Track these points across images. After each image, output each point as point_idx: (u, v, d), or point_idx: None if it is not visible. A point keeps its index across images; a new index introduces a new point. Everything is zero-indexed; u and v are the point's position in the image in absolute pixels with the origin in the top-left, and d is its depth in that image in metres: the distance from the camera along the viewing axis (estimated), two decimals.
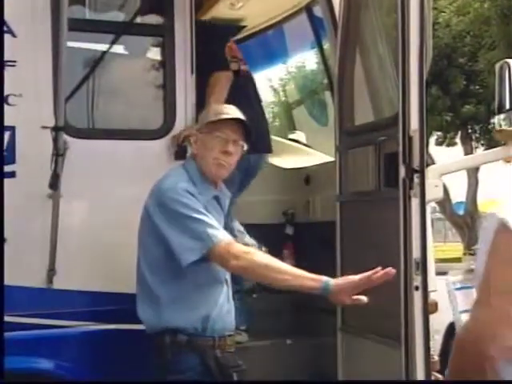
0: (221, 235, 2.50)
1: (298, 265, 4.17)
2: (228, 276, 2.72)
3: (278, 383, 3.56)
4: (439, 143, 20.61)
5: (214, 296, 2.64)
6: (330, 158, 3.90)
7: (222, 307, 2.66)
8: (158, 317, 2.58)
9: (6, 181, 2.63)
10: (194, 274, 2.56)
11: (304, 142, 4.95)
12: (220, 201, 2.74)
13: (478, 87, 17.44)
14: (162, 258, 2.59)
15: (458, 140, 18.20)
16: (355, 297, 2.39)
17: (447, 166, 3.57)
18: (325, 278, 2.44)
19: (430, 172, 3.05)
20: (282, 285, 2.54)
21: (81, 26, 3.08)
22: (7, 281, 2.45)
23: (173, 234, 2.52)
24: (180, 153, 3.05)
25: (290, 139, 4.96)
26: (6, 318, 2.39)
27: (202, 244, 2.47)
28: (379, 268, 2.34)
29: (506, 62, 2.87)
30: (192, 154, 2.74)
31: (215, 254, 2.49)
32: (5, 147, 2.77)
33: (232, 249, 2.49)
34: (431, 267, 3.06)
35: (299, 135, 5.03)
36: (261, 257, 2.53)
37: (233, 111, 2.70)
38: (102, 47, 3.11)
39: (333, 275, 3.42)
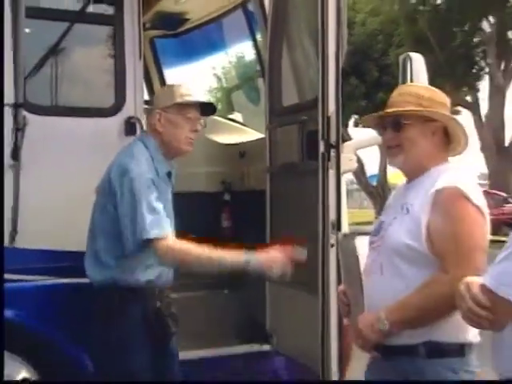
0: (156, 233, 2.36)
1: (234, 226, 4.23)
2: None
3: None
4: (356, 125, 20.96)
5: None
6: (262, 135, 3.88)
7: None
8: (106, 272, 2.48)
9: None
10: None
11: (240, 121, 4.91)
12: (171, 176, 2.62)
13: (389, 77, 17.75)
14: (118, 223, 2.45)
15: None
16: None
17: (360, 142, 3.60)
18: (246, 257, 2.34)
19: (346, 147, 3.07)
20: (213, 271, 2.43)
21: (39, 14, 2.97)
22: None
23: (125, 218, 2.40)
24: (129, 129, 2.98)
25: (229, 119, 4.91)
26: None
27: (138, 237, 2.37)
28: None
29: (408, 55, 2.87)
30: (152, 131, 2.56)
31: (154, 247, 2.39)
32: None
33: (162, 247, 2.37)
34: (345, 228, 3.09)
35: (236, 115, 4.99)
36: (193, 251, 2.38)
37: (194, 92, 2.61)
38: (59, 33, 2.98)
39: (264, 235, 3.47)
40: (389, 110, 2.00)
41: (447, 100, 2.04)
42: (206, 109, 2.67)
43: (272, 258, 2.34)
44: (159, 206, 2.42)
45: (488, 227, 1.91)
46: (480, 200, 1.89)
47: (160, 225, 2.39)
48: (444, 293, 1.78)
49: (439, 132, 1.98)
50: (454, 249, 1.81)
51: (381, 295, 1.90)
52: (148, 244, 2.38)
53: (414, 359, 1.85)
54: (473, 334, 1.88)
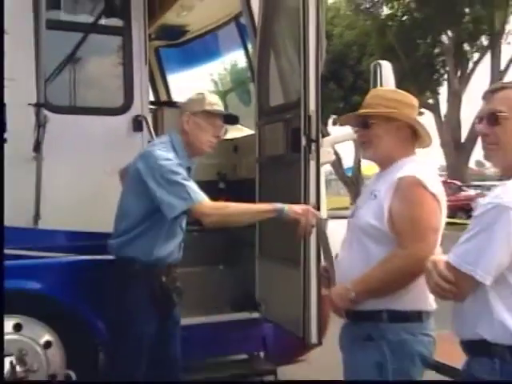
0: (197, 197, 2.32)
1: None
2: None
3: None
4: (334, 123, 20.97)
5: (178, 236, 2.52)
6: (252, 132, 3.87)
7: (179, 244, 2.55)
8: (123, 250, 2.45)
9: None
10: (172, 222, 2.42)
11: None
12: (190, 171, 2.56)
13: (363, 82, 17.75)
14: (147, 206, 2.40)
15: None
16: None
17: (337, 137, 3.60)
18: (279, 206, 2.34)
19: (324, 142, 3.07)
20: (250, 223, 2.43)
21: (58, 26, 2.94)
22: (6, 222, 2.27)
23: (162, 193, 2.33)
24: (137, 126, 2.97)
25: None
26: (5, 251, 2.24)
27: (182, 203, 2.31)
28: None
29: (379, 63, 2.86)
30: (180, 130, 2.51)
31: (192, 213, 2.35)
32: None
33: (204, 209, 2.32)
34: (323, 212, 3.09)
35: None
36: (227, 208, 2.37)
37: (221, 102, 2.58)
38: (75, 43, 2.96)
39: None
40: (359, 112, 2.01)
41: (414, 101, 2.05)
42: (230, 118, 2.64)
43: (301, 208, 2.36)
44: (187, 179, 2.37)
45: (443, 212, 1.92)
46: (436, 188, 1.89)
47: (198, 190, 2.35)
48: (402, 266, 1.80)
49: (404, 129, 1.99)
50: (411, 228, 1.82)
51: (350, 268, 1.93)
52: (193, 209, 2.31)
53: (378, 323, 1.87)
54: (429, 303, 1.91)
